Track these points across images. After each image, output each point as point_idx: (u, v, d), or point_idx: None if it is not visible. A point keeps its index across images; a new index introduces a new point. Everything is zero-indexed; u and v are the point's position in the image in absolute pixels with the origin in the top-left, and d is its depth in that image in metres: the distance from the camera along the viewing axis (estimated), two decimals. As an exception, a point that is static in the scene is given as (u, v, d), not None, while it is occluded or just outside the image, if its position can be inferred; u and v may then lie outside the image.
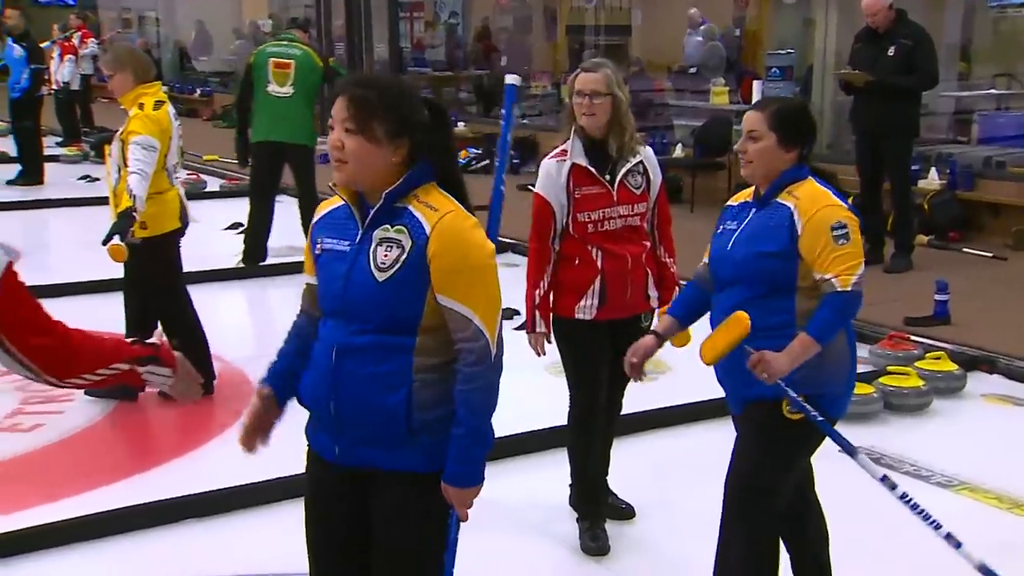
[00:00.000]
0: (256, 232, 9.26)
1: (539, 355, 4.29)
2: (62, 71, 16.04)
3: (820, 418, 3.27)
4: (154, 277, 5.88)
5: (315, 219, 2.85)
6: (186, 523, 4.50)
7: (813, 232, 3.26)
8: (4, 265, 2.22)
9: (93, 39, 17.64)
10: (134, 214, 5.39)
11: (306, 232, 2.89)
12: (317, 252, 2.77)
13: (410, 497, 2.71)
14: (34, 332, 2.29)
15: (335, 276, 2.71)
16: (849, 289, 3.24)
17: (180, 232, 5.99)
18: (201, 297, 6.41)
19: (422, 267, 2.62)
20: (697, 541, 3.82)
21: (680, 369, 5.95)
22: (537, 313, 4.23)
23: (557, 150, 4.25)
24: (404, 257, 2.62)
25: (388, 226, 2.65)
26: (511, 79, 3.84)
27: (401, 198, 2.67)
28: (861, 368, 4.55)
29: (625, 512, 4.54)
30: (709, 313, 3.55)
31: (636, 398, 4.62)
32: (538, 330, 4.23)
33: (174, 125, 5.83)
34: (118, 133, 5.75)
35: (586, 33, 18.14)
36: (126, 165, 5.55)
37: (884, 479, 3.42)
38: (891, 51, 8.57)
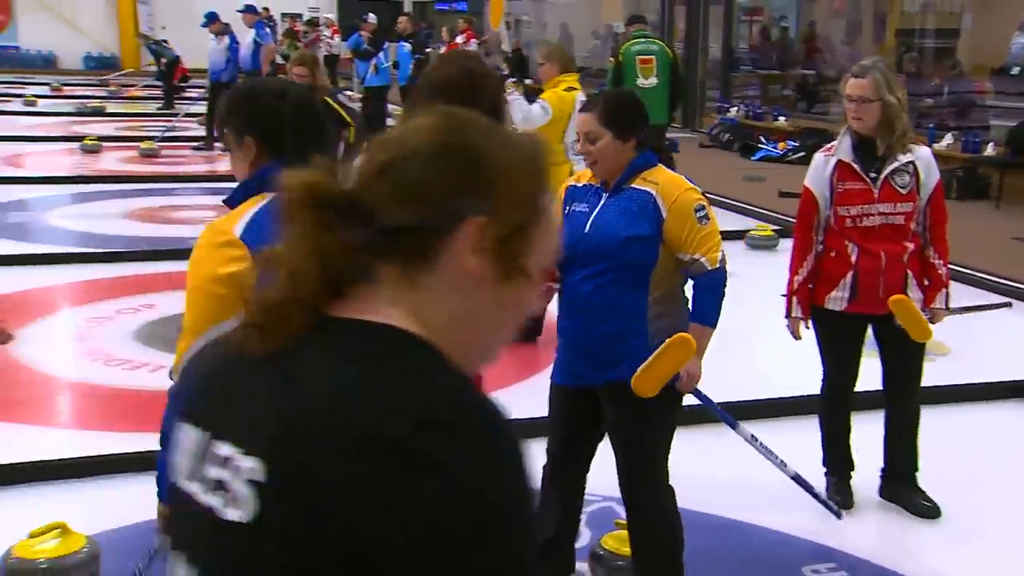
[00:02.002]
0: None
1: (795, 339, 4.04)
2: (445, 64, 16.75)
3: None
4: None
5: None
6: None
7: (678, 216, 3.01)
8: None
9: (474, 39, 18.26)
10: None
11: None
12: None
13: None
14: None
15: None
16: (718, 266, 3.04)
17: None
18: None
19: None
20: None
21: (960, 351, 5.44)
22: (794, 299, 3.97)
23: (828, 145, 3.97)
24: None
25: None
26: None
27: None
28: None
29: (929, 510, 4.06)
30: (559, 296, 3.18)
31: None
32: (794, 315, 3.98)
33: (575, 110, 5.98)
34: None
35: (914, 36, 17.01)
36: None
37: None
38: None
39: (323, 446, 0.93)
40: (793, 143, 13.99)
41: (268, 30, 14.73)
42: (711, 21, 16.93)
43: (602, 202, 3.12)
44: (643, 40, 9.59)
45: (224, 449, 0.99)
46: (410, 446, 0.91)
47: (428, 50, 17.68)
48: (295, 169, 1.07)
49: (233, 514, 0.95)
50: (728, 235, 9.17)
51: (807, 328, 4.02)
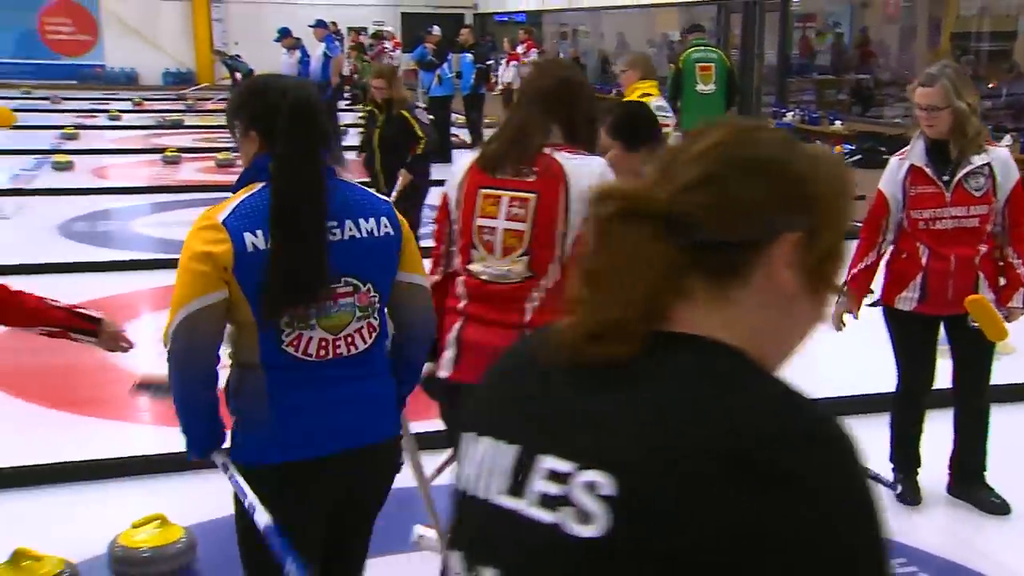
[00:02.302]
0: None
1: (836, 329, 3.97)
2: (506, 74, 16.78)
3: None
4: None
5: None
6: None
7: None
8: None
9: (535, 48, 18.28)
10: None
11: None
12: None
13: None
14: None
15: None
16: None
17: None
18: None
19: None
20: None
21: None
22: (845, 288, 3.91)
23: (903, 148, 3.93)
24: None
25: None
26: None
27: None
28: None
29: (998, 507, 3.99)
30: None
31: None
32: (839, 300, 3.89)
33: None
34: None
35: (970, 40, 16.69)
36: None
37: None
38: None
39: (682, 461, 0.90)
40: (849, 146, 13.81)
41: (337, 43, 14.90)
42: (768, 28, 16.77)
43: None
44: (702, 48, 9.77)
45: (553, 463, 0.96)
46: (768, 460, 0.89)
47: (490, 61, 17.75)
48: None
49: (583, 530, 0.91)
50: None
51: (855, 319, 3.97)
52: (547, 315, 2.61)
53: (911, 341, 3.97)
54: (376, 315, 2.36)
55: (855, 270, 3.92)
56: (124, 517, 3.51)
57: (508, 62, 16.82)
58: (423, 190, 7.19)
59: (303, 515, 2.33)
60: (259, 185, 2.24)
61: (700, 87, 9.45)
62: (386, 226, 2.35)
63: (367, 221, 2.32)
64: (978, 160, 3.74)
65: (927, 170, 3.78)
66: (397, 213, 2.41)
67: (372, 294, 2.32)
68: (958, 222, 3.77)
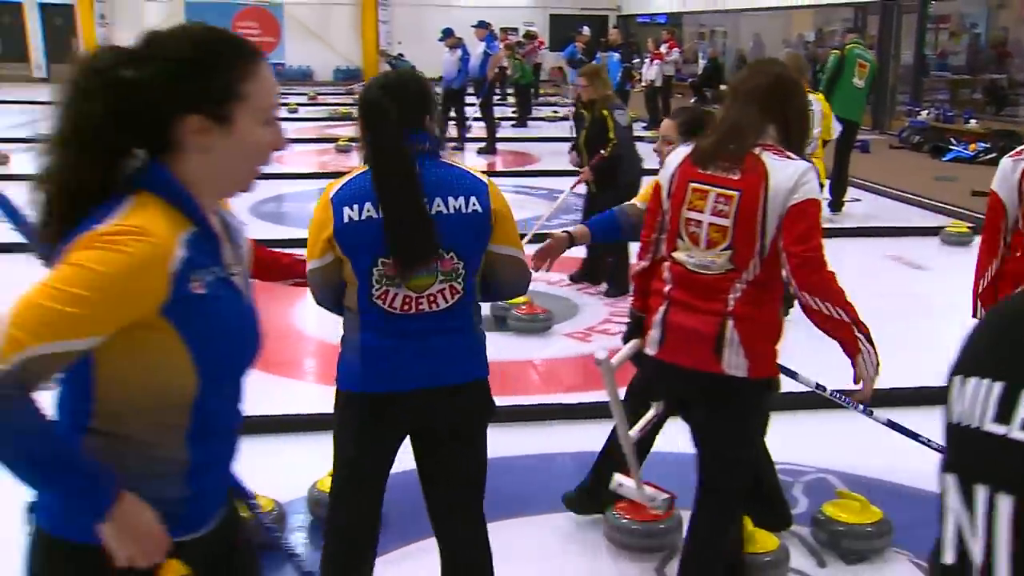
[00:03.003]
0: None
1: None
2: (649, 72, 16.63)
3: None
4: None
5: None
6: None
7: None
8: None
9: (676, 48, 18.07)
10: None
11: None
12: None
13: None
14: None
15: None
16: None
17: None
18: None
19: None
20: None
21: None
22: (978, 301, 3.65)
23: (1017, 149, 3.63)
24: None
25: None
26: None
27: None
28: None
29: None
30: None
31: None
32: (979, 316, 3.66)
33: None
34: None
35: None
36: None
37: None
38: None
39: None
40: (984, 145, 13.24)
41: (496, 43, 15.03)
42: (904, 29, 16.13)
43: None
44: (862, 46, 10.28)
45: None
46: None
47: (635, 60, 17.63)
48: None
49: None
50: (922, 231, 8.87)
51: None
52: (749, 306, 2.61)
53: None
54: (460, 280, 2.50)
55: (983, 280, 3.65)
56: (322, 466, 3.66)
57: (652, 61, 16.67)
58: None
59: (378, 437, 2.60)
60: (366, 167, 2.49)
61: (856, 80, 9.79)
62: (474, 204, 2.49)
63: (456, 199, 2.46)
64: None
65: None
66: (492, 195, 2.52)
67: (455, 262, 2.48)
68: None
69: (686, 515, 3.03)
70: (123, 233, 1.46)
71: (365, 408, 2.55)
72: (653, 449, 3.44)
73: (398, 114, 2.42)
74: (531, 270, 2.71)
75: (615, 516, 3.45)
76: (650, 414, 2.93)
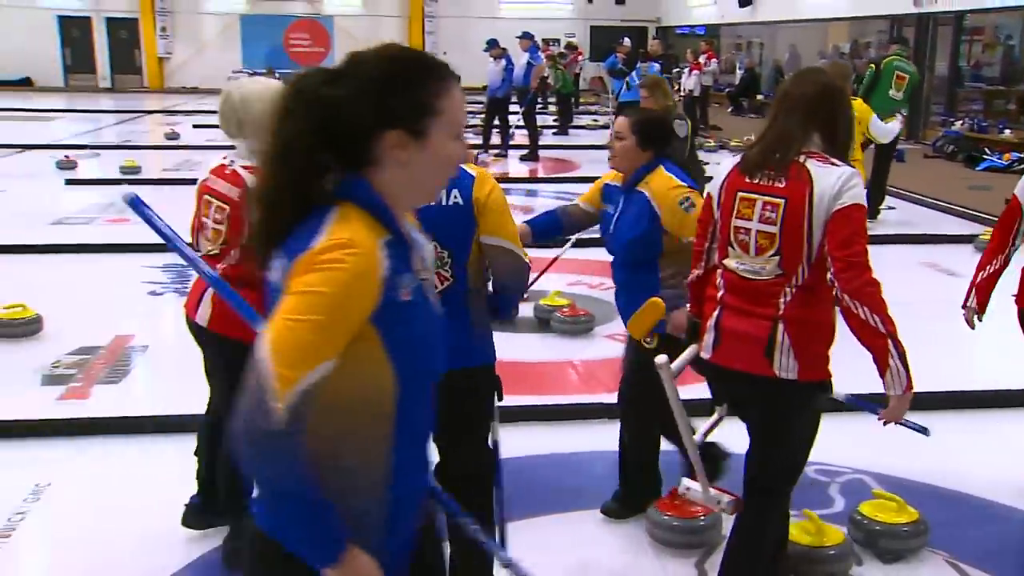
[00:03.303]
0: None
1: (970, 327, 3.72)
2: (688, 82, 16.57)
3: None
4: None
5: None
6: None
7: (669, 210, 3.30)
8: None
9: (714, 59, 18.00)
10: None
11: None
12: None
13: None
14: None
15: None
16: None
17: None
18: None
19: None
20: None
21: None
22: (973, 290, 3.67)
23: None
24: None
25: None
26: None
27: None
28: None
29: None
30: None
31: None
32: (969, 305, 3.67)
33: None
34: None
35: None
36: None
37: None
38: None
39: None
40: (1017, 155, 13.04)
41: (540, 53, 15.06)
42: (940, 40, 15.92)
43: (620, 203, 3.44)
44: (902, 59, 10.05)
45: None
46: None
47: (675, 69, 17.58)
48: None
49: None
50: (956, 239, 8.76)
51: (979, 321, 3.70)
52: (799, 309, 2.61)
53: None
54: (447, 268, 2.67)
55: (982, 272, 3.67)
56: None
57: (690, 71, 16.63)
58: None
59: None
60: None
61: (892, 92, 9.69)
62: (455, 197, 2.65)
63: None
64: None
65: None
66: (476, 186, 2.68)
67: (440, 251, 2.65)
68: None
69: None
70: (336, 248, 1.48)
71: None
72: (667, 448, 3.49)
73: None
74: (528, 264, 2.81)
75: (656, 512, 3.46)
76: (714, 417, 2.92)
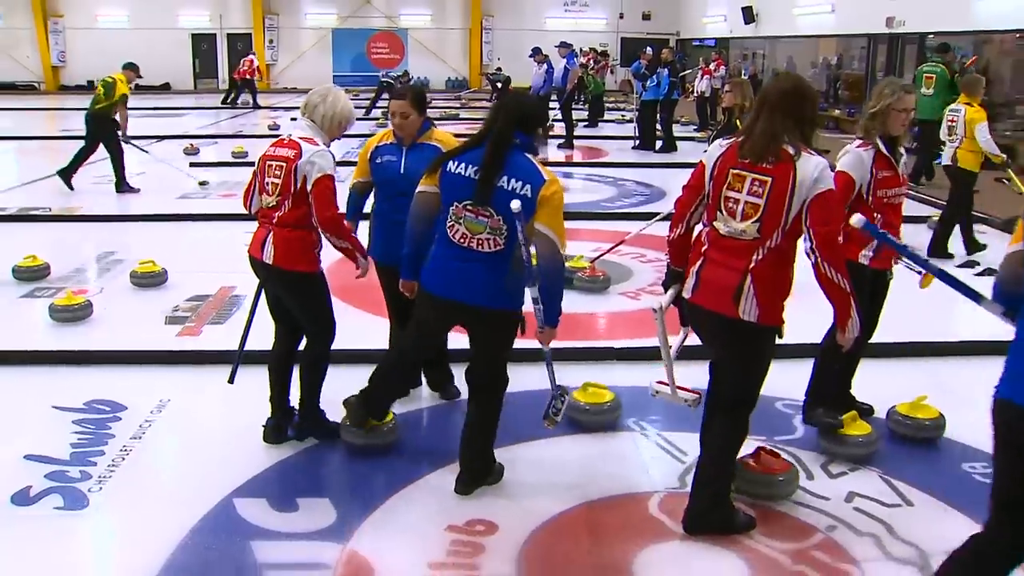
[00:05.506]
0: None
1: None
2: (700, 85, 16.30)
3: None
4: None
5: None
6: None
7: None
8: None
9: (723, 65, 17.64)
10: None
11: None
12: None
13: None
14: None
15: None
16: None
17: None
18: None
19: None
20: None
21: None
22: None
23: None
24: None
25: None
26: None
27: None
28: None
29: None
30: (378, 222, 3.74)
31: None
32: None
33: None
34: None
35: None
36: None
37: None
38: None
39: None
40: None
41: (575, 59, 14.88)
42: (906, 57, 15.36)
43: (404, 154, 3.56)
44: (931, 63, 10.69)
45: None
46: None
47: (684, 73, 17.25)
48: None
49: None
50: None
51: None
52: (767, 267, 2.68)
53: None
54: (502, 237, 2.87)
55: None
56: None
57: (702, 76, 16.35)
58: None
59: (433, 319, 3.08)
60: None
61: (923, 90, 10.14)
62: (526, 189, 2.82)
63: (517, 181, 2.83)
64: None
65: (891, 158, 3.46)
66: (545, 186, 2.83)
67: (501, 224, 2.86)
68: (901, 197, 3.51)
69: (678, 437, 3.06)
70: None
71: (427, 301, 3.04)
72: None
73: (506, 120, 2.89)
74: (563, 253, 2.90)
75: (743, 471, 3.11)
76: (681, 335, 3.17)
